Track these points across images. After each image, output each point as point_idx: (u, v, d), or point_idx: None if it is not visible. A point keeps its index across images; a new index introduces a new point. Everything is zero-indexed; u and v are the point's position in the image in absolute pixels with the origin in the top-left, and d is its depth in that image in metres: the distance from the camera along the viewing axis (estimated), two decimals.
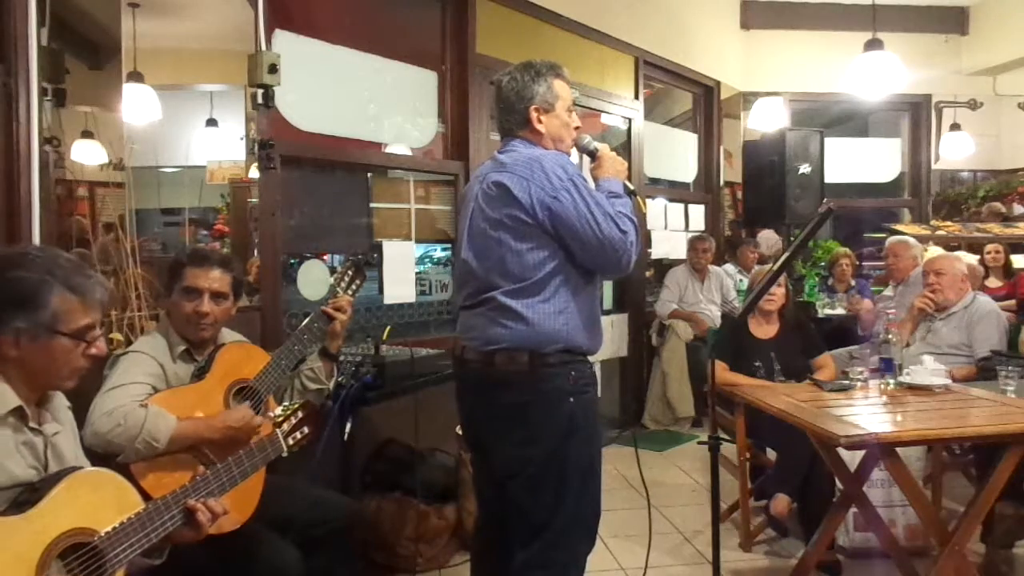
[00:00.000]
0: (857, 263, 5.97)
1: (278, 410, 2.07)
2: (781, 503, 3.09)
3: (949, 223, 6.31)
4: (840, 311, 5.42)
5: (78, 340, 1.53)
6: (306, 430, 2.05)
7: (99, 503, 1.47)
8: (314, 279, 3.31)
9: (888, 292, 4.67)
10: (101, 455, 1.80)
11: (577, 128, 2.17)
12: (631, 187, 2.10)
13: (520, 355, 1.96)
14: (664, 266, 5.87)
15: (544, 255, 1.96)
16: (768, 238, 6.33)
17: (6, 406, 1.46)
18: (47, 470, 1.52)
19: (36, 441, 1.52)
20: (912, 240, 4.52)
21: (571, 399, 1.99)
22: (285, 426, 2.01)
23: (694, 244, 5.63)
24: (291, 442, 2.00)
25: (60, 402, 1.66)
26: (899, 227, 6.28)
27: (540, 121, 2.08)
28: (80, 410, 1.88)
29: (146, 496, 1.67)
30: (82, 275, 1.55)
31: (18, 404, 1.48)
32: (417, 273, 3.95)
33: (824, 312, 5.42)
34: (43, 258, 1.53)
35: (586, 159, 2.21)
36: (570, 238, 1.95)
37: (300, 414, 2.05)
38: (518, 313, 1.95)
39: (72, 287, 1.51)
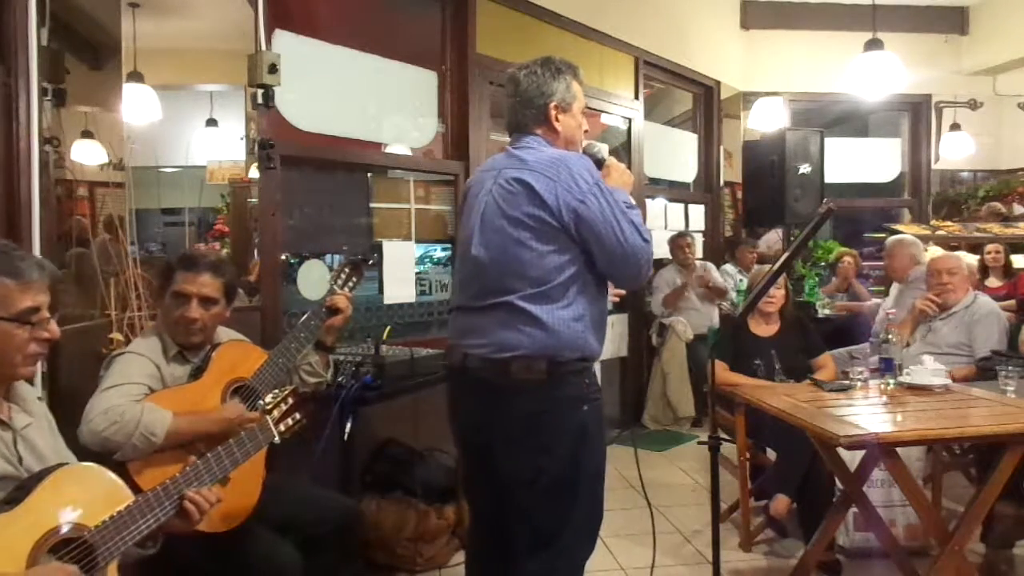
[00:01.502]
0: (860, 263, 6.00)
1: (268, 397, 2.05)
2: (781, 504, 3.09)
3: (949, 223, 6.30)
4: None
5: (21, 324, 1.49)
6: (298, 416, 2.02)
7: (88, 497, 1.46)
8: (314, 279, 3.31)
9: (892, 300, 4.68)
10: (98, 453, 1.80)
11: (585, 132, 2.14)
12: (632, 202, 2.05)
13: (538, 363, 1.88)
14: (664, 266, 5.87)
15: (565, 259, 1.90)
16: (770, 240, 6.33)
17: None
18: (21, 463, 1.51)
19: (5, 436, 1.51)
20: (909, 238, 4.50)
21: (585, 407, 1.95)
22: (275, 412, 1.98)
23: (676, 241, 5.64)
24: (282, 428, 1.97)
25: (28, 393, 1.64)
26: (899, 227, 6.28)
27: (558, 120, 2.04)
28: (78, 409, 1.89)
29: (139, 491, 1.67)
30: (14, 256, 1.51)
31: None
32: (417, 273, 3.95)
33: (824, 312, 5.42)
34: None
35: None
36: (594, 243, 1.89)
37: (290, 400, 2.03)
38: (537, 318, 1.88)
39: (4, 270, 1.48)
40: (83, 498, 1.45)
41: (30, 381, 1.66)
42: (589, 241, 1.89)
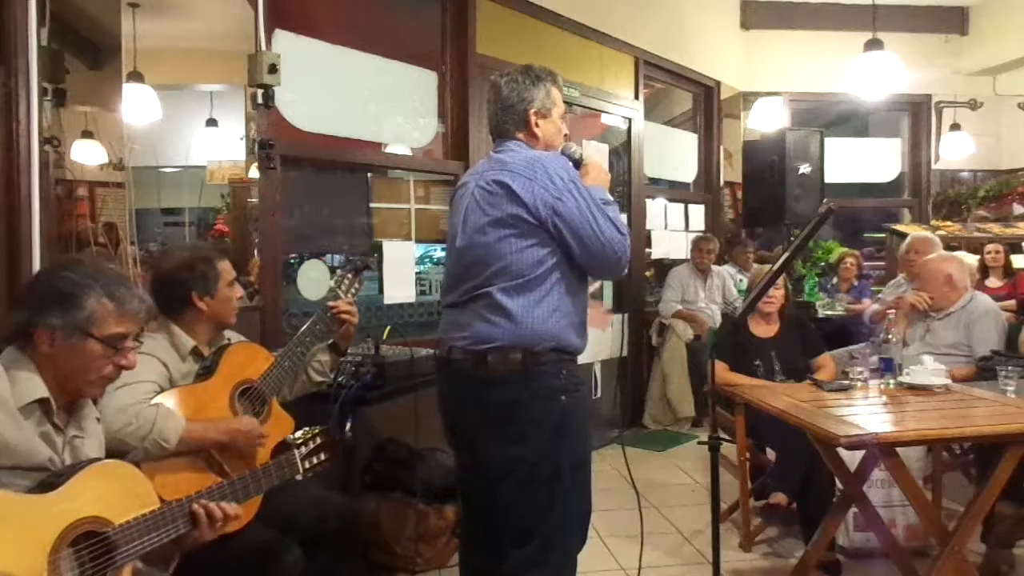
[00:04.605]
0: (862, 264, 6.00)
1: (298, 433, 2.09)
2: (779, 499, 3.10)
3: (949, 223, 6.31)
4: (840, 311, 5.43)
5: (109, 347, 1.57)
6: (323, 456, 2.06)
7: (118, 495, 1.49)
8: (314, 279, 3.30)
9: (890, 288, 4.69)
10: (109, 453, 1.80)
11: (565, 135, 2.21)
12: (610, 198, 2.12)
13: (514, 354, 1.96)
14: (664, 266, 5.87)
15: (544, 252, 1.98)
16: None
17: (33, 395, 1.51)
18: (63, 464, 1.54)
19: (55, 437, 1.54)
20: (935, 238, 4.50)
21: (563, 397, 2.00)
22: (303, 449, 2.02)
23: (698, 244, 5.63)
24: (307, 465, 2.02)
25: (90, 412, 1.68)
26: (899, 227, 6.28)
27: (538, 125, 2.12)
28: None
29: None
30: (124, 287, 1.61)
31: (46, 395, 1.52)
32: (417, 273, 3.95)
33: (824, 312, 5.42)
34: (91, 265, 1.63)
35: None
36: (573, 238, 1.97)
37: (318, 440, 2.06)
38: (510, 311, 1.96)
39: (111, 295, 1.58)
40: (114, 494, 1.49)
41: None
42: (567, 236, 1.97)
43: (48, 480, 1.44)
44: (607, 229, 1.96)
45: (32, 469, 1.46)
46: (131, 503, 1.50)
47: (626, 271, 2.08)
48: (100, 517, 1.44)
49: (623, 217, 2.13)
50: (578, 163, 2.16)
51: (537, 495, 1.99)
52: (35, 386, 1.52)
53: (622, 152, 5.47)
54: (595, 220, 1.96)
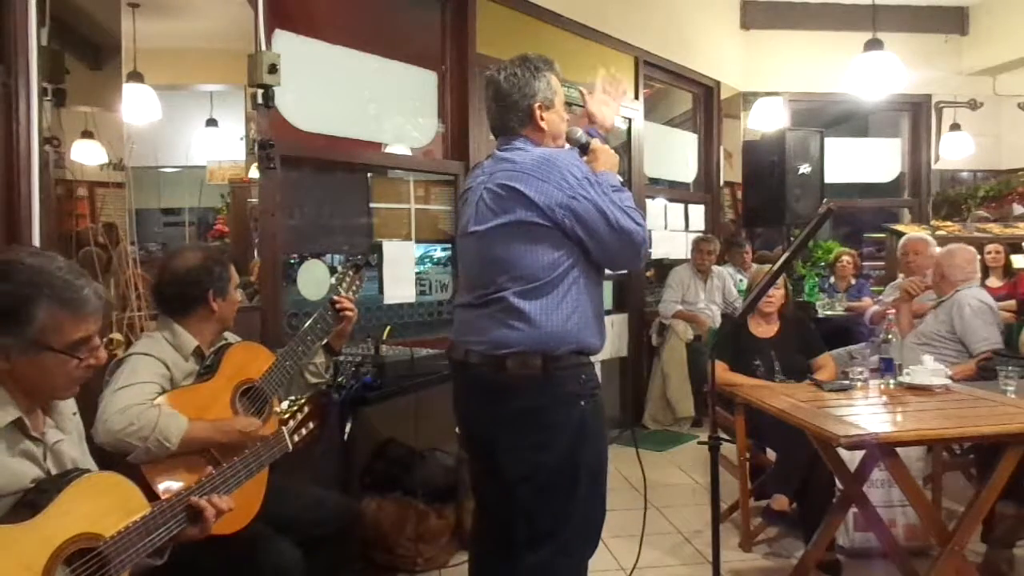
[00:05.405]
0: (859, 263, 6.01)
1: (283, 405, 2.08)
2: (781, 501, 3.10)
3: (949, 223, 6.31)
4: (840, 311, 5.44)
5: (72, 356, 1.46)
6: (311, 426, 2.05)
7: (105, 507, 1.44)
8: (314, 279, 3.31)
9: (890, 289, 4.69)
10: (110, 454, 1.80)
11: (567, 120, 2.15)
12: (619, 180, 2.06)
13: (533, 359, 1.91)
14: (664, 266, 5.86)
15: (559, 254, 1.93)
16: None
17: (4, 419, 1.42)
18: (48, 476, 1.50)
19: (35, 450, 1.49)
20: (930, 238, 4.51)
21: (582, 403, 1.97)
22: (291, 423, 2.02)
23: (699, 245, 5.62)
24: (296, 439, 2.01)
25: (66, 408, 1.63)
26: (899, 227, 6.28)
27: (543, 119, 2.05)
28: (81, 411, 1.88)
29: (155, 497, 1.66)
30: (74, 286, 1.46)
31: (17, 416, 1.44)
32: (417, 273, 3.95)
33: (824, 312, 5.43)
34: (31, 268, 1.44)
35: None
36: (590, 236, 1.92)
37: (305, 410, 2.05)
38: (527, 314, 1.91)
39: (62, 300, 1.44)
40: (101, 507, 1.43)
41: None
42: (584, 235, 1.93)
43: (31, 499, 1.37)
44: (625, 222, 1.91)
45: (17, 493, 1.40)
46: (119, 513, 1.45)
47: (644, 262, 2.05)
48: (90, 533, 1.39)
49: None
50: (584, 148, 2.11)
51: (555, 501, 1.96)
52: (3, 408, 1.42)
53: (622, 152, 5.46)
54: (612, 215, 1.90)
